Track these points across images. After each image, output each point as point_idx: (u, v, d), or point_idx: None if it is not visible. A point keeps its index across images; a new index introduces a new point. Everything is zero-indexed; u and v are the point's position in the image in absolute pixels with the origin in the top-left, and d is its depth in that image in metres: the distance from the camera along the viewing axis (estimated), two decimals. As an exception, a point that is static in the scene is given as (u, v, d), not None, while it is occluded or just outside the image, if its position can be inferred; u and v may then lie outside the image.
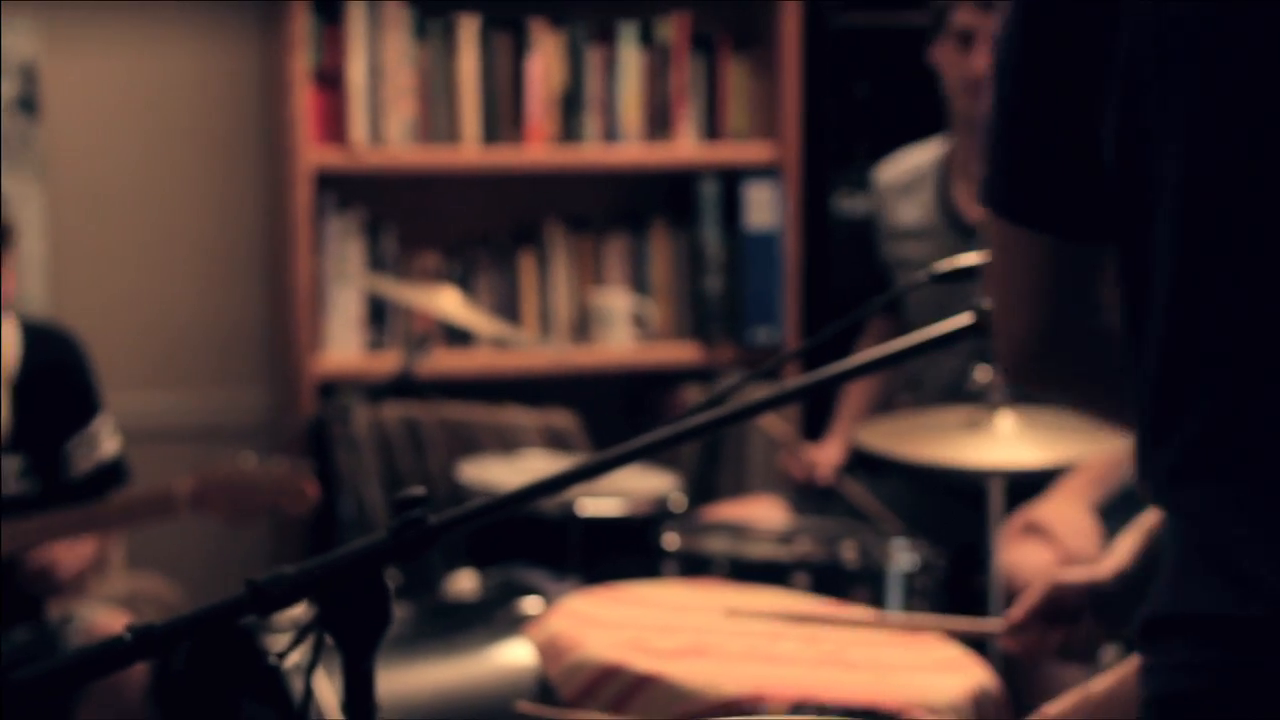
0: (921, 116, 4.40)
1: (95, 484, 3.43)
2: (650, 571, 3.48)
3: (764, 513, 3.81)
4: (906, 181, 3.92)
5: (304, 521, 4.30)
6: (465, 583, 3.54)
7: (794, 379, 1.88)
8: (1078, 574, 2.40)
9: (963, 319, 1.95)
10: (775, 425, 4.03)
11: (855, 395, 3.99)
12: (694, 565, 3.40)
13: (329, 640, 1.61)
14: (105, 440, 3.46)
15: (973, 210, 3.80)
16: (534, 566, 3.63)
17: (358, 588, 1.60)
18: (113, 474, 3.48)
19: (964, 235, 3.78)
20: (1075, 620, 2.38)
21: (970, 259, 2.01)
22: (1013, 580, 3.41)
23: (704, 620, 2.54)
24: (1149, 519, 2.51)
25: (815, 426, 4.25)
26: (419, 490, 1.66)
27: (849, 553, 3.37)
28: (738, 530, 3.49)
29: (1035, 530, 3.54)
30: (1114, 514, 3.65)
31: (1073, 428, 3.27)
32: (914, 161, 3.95)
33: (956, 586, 3.58)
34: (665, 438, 1.80)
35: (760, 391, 2.03)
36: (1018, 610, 2.38)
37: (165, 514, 3.29)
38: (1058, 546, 3.50)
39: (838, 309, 4.64)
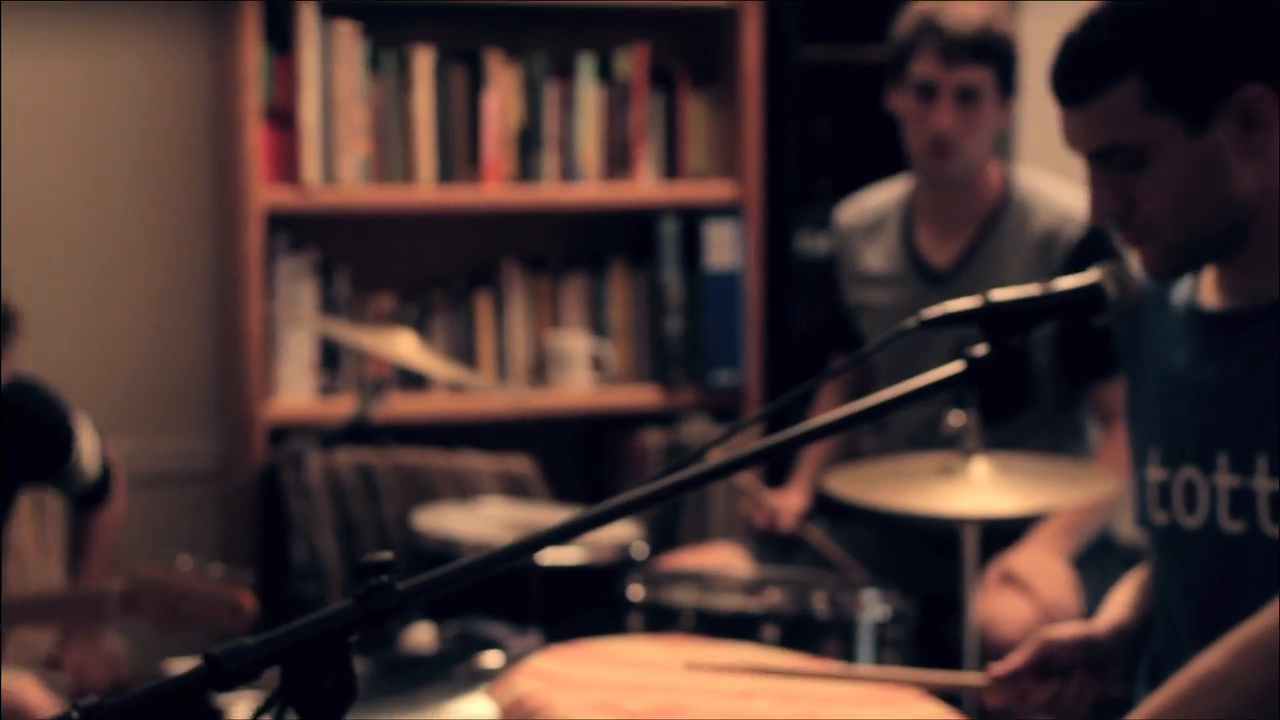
0: (884, 154, 4.34)
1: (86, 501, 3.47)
2: (614, 623, 3.39)
3: (725, 560, 3.72)
4: (869, 224, 3.84)
5: (255, 569, 4.20)
6: (421, 636, 3.44)
7: (781, 433, 1.78)
8: (1071, 629, 2.32)
9: (954, 367, 1.86)
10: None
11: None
12: (660, 617, 3.31)
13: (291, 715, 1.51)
14: (87, 462, 3.41)
15: (938, 255, 3.72)
16: (492, 618, 3.53)
17: (323, 660, 1.51)
18: (99, 491, 3.48)
19: (930, 281, 3.70)
20: (1067, 676, 2.31)
21: (959, 305, 1.93)
22: (991, 632, 3.33)
23: (674, 679, 2.44)
24: (1139, 572, 2.43)
25: (777, 472, 4.16)
26: (385, 555, 1.57)
27: (819, 604, 3.28)
28: (704, 580, 3.40)
29: (1012, 581, 3.45)
30: (1087, 563, 3.58)
31: (1048, 474, 3.20)
32: (876, 202, 3.87)
33: (927, 637, 3.50)
34: (645, 496, 1.71)
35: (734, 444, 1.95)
36: (1006, 664, 2.31)
37: (94, 614, 3.21)
38: (1036, 598, 3.42)
39: (800, 350, 4.58)
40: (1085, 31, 2.12)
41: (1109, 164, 2.14)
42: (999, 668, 2.31)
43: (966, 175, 3.64)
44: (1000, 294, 1.94)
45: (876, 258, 3.80)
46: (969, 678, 2.43)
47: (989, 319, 1.91)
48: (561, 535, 1.69)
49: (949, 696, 2.52)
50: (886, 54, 3.69)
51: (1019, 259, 3.62)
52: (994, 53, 3.55)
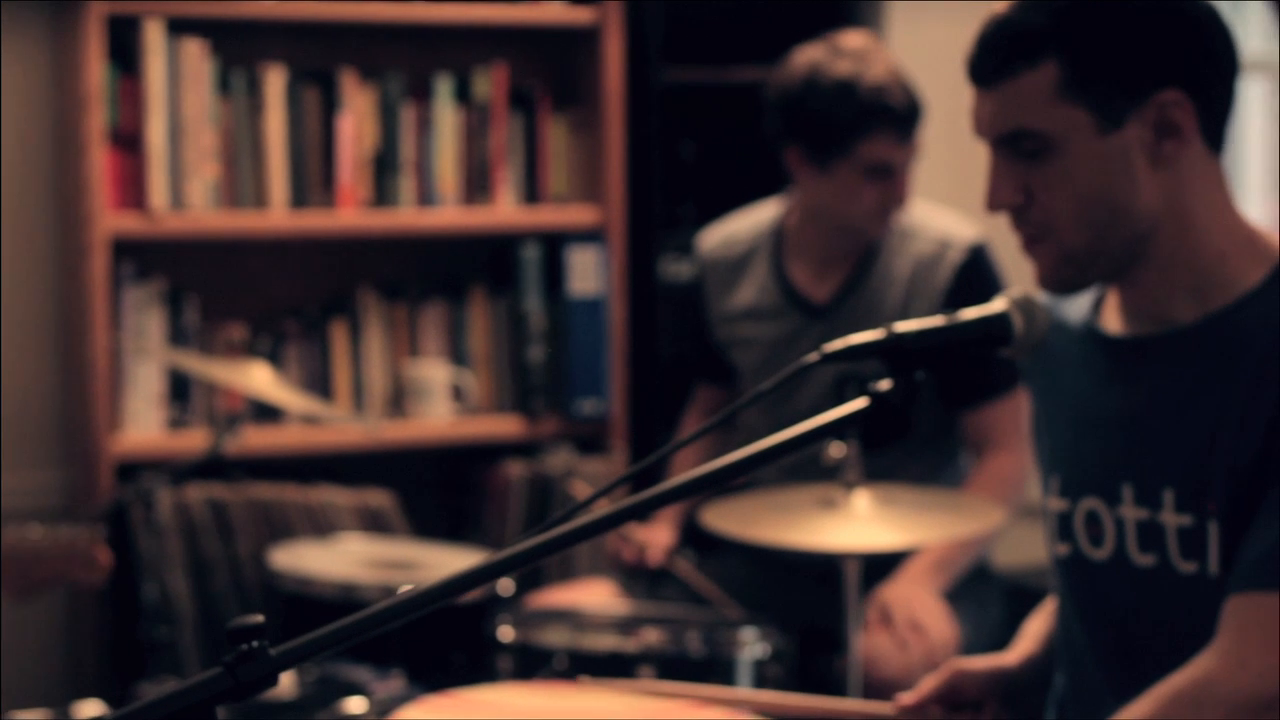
0: (749, 176, 4.26)
1: None
2: (483, 665, 3.28)
3: (595, 597, 3.62)
4: (737, 256, 3.74)
5: (103, 611, 4.05)
6: (280, 680, 3.29)
7: (669, 480, 1.68)
8: (983, 661, 2.25)
9: (859, 403, 1.76)
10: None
11: (680, 469, 3.80)
12: (531, 658, 3.19)
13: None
14: None
15: (816, 288, 3.64)
16: (354, 661, 3.40)
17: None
18: None
19: (810, 314, 3.61)
20: (978, 709, 2.23)
21: (862, 338, 1.83)
22: (871, 670, 3.25)
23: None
24: (1051, 601, 2.35)
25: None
26: (256, 617, 1.45)
27: (696, 643, 3.18)
28: (576, 619, 3.29)
29: (886, 616, 3.37)
30: (964, 594, 3.51)
31: (931, 506, 3.12)
32: (741, 233, 3.77)
33: (804, 671, 3.42)
34: (536, 546, 1.60)
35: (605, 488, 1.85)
36: (915, 693, 2.23)
37: None
38: (918, 634, 3.33)
39: (666, 378, 4.49)
40: (1012, 12, 2.06)
41: (1014, 151, 2.07)
42: (907, 697, 2.23)
43: None
44: (904, 326, 1.84)
45: (747, 291, 3.71)
46: (876, 706, 2.34)
47: (893, 352, 1.82)
48: (441, 593, 1.57)
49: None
50: (802, 126, 3.49)
51: (901, 287, 3.55)
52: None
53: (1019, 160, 2.07)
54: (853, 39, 3.53)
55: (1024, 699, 2.27)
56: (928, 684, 2.23)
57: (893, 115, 3.44)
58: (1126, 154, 2.03)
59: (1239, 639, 1.96)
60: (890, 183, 3.49)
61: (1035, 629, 2.36)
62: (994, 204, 2.10)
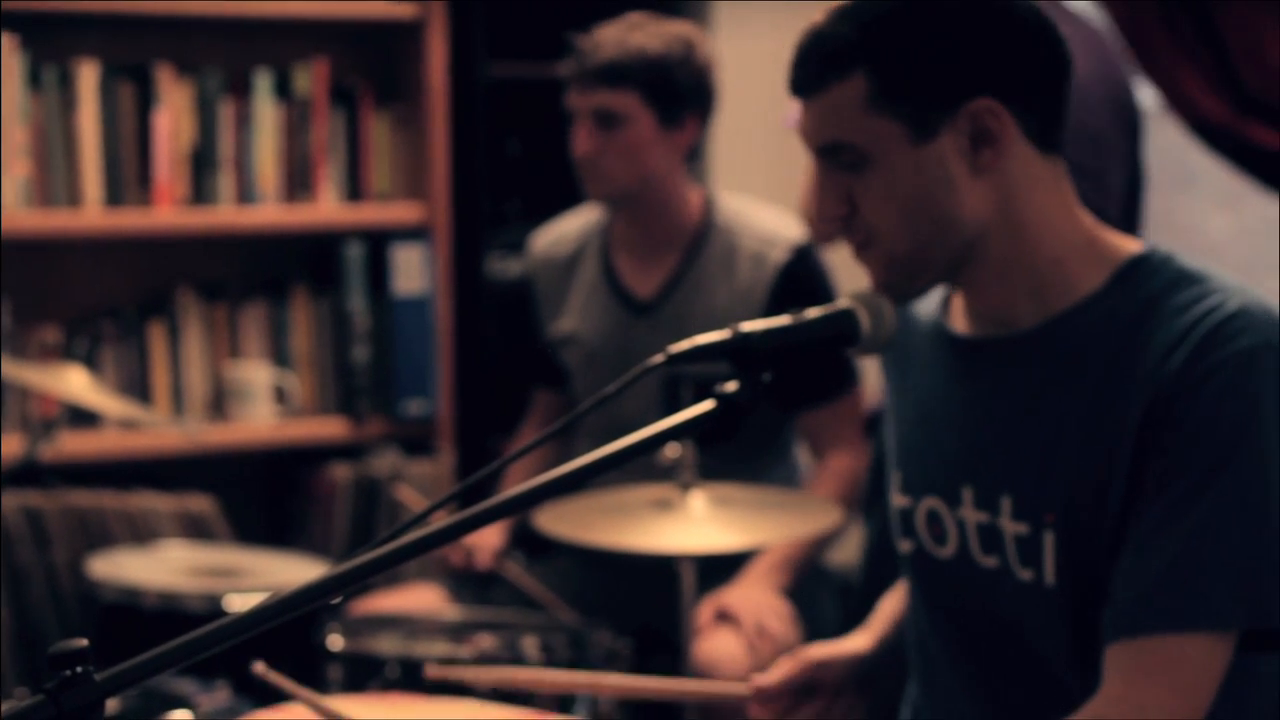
0: (576, 172, 4.20)
1: None
2: (313, 675, 3.19)
3: (424, 602, 3.56)
4: (566, 255, 3.71)
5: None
6: (101, 696, 3.20)
7: (510, 490, 1.64)
8: (836, 649, 2.23)
9: (705, 405, 1.72)
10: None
11: (518, 473, 3.74)
12: (362, 667, 3.11)
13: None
14: None
15: (641, 285, 3.61)
16: (176, 672, 3.31)
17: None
18: None
19: (635, 311, 3.58)
20: (836, 695, 2.21)
21: (709, 338, 1.79)
22: (705, 671, 3.21)
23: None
24: (901, 586, 2.33)
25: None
26: (79, 642, 1.38)
27: (530, 648, 3.12)
28: (407, 626, 3.22)
29: (727, 619, 3.34)
30: (798, 593, 3.48)
31: (768, 506, 3.08)
32: (571, 231, 3.74)
33: (641, 673, 3.37)
34: (376, 560, 1.54)
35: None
36: (770, 677, 2.20)
37: None
38: (759, 636, 3.30)
39: (494, 377, 4.43)
40: (825, 24, 2.02)
41: (834, 161, 2.02)
42: (762, 679, 2.21)
43: (625, 198, 3.55)
44: (750, 326, 1.81)
45: (577, 289, 3.67)
46: (731, 687, 2.31)
47: (740, 353, 1.78)
48: (275, 612, 1.52)
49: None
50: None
51: (724, 285, 3.52)
52: (635, 76, 3.47)
53: (840, 171, 2.02)
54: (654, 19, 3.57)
55: (880, 683, 2.24)
56: (784, 670, 2.21)
57: (576, 62, 3.53)
58: (944, 163, 1.98)
59: (1133, 685, 1.89)
60: (575, 129, 3.54)
61: (889, 609, 2.33)
62: (819, 215, 2.05)
